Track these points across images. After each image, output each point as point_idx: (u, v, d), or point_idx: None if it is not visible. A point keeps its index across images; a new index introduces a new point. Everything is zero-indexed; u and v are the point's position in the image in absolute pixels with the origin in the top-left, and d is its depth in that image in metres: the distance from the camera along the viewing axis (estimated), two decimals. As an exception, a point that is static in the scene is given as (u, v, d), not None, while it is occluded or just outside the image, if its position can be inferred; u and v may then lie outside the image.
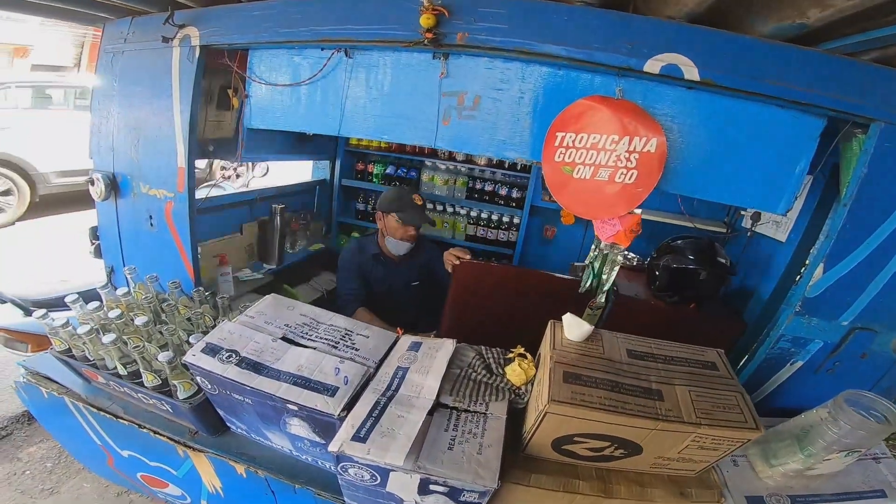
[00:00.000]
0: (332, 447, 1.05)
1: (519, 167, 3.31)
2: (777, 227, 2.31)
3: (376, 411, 1.15)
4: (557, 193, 1.42)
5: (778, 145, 1.31)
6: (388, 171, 3.56)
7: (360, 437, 1.07)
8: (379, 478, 1.09)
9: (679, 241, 2.29)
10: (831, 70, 1.21)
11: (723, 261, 2.17)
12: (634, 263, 2.89)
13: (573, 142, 1.35)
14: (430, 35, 1.36)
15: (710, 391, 1.14)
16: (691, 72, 1.25)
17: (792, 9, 1.10)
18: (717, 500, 1.19)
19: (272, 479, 1.39)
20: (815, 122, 1.27)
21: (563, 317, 1.31)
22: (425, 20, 1.33)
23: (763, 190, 1.36)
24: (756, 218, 2.51)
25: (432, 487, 1.07)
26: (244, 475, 1.43)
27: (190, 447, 1.47)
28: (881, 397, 1.18)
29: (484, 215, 3.47)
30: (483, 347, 1.51)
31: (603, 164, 1.34)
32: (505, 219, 3.45)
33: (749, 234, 2.54)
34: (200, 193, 2.01)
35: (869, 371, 1.48)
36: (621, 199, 1.34)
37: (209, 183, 2.07)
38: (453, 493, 1.07)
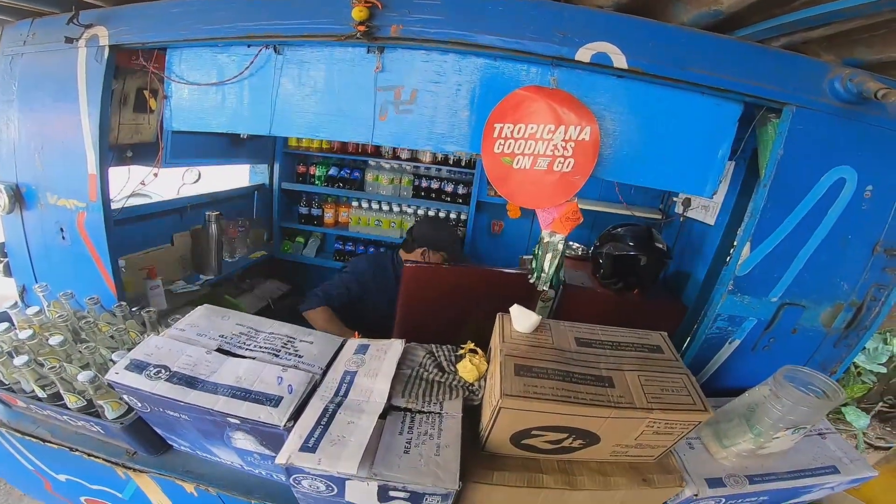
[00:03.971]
0: (280, 459, 0.99)
1: (464, 163, 3.32)
2: (706, 211, 2.44)
3: (325, 419, 1.09)
4: (499, 185, 1.42)
5: (701, 131, 1.37)
6: (331, 172, 3.48)
7: (308, 446, 1.00)
8: (335, 488, 1.04)
9: (619, 229, 2.37)
10: (745, 57, 1.27)
11: (660, 246, 2.26)
12: (579, 253, 2.96)
13: (511, 132, 1.35)
14: (362, 28, 1.32)
15: (658, 374, 1.16)
16: (620, 60, 1.28)
17: (708, -5, 1.14)
18: (679, 483, 1.21)
19: (225, 495, 1.31)
20: (734, 107, 1.34)
21: (511, 308, 1.30)
22: (357, 13, 1.29)
23: (690, 174, 1.41)
24: (687, 204, 2.64)
25: (392, 494, 1.03)
26: (195, 494, 1.34)
27: (130, 468, 1.36)
28: (817, 372, 1.23)
29: (431, 213, 3.45)
30: (433, 346, 1.48)
31: (541, 153, 1.35)
32: (452, 216, 3.45)
33: (682, 219, 2.67)
34: (119, 203, 1.86)
35: (801, 346, 1.56)
36: (560, 188, 1.36)
37: (129, 192, 1.90)
38: (415, 497, 1.03)
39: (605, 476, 1.19)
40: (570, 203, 1.37)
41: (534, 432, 1.12)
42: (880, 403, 3.93)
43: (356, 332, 1.98)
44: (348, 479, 1.00)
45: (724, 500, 1.27)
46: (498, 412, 1.05)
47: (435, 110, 1.43)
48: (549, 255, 1.43)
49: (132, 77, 1.88)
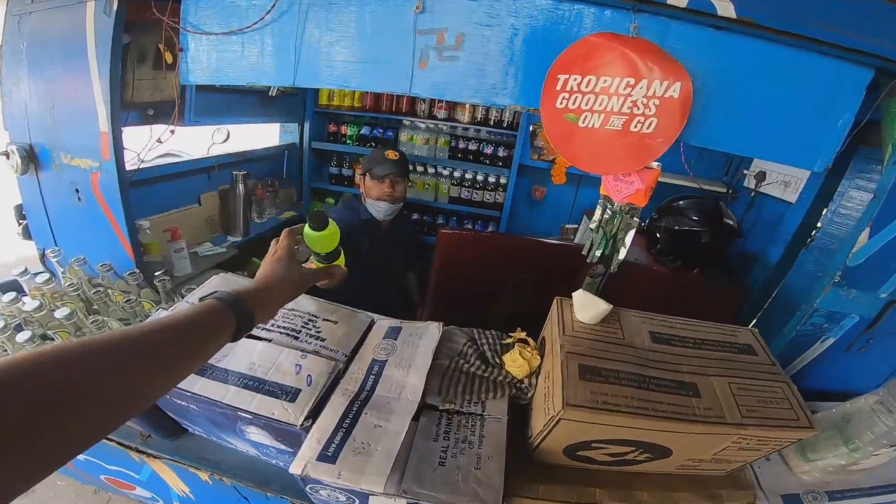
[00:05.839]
0: (295, 469, 0.84)
1: (505, 124, 3.10)
2: (786, 187, 2.14)
3: (347, 420, 0.94)
4: (560, 145, 1.20)
5: (818, 97, 1.11)
6: (362, 131, 3.31)
7: (328, 455, 0.86)
8: (357, 501, 0.90)
9: (681, 202, 2.10)
10: (885, 17, 1.00)
11: (729, 222, 2.00)
12: (631, 226, 2.71)
13: (578, 85, 1.12)
14: (400, -40, 1.10)
15: (752, 382, 0.95)
16: (726, 8, 1.02)
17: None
18: (751, 501, 1.03)
19: (240, 486, 1.20)
20: (863, 72, 1.07)
21: (574, 294, 1.10)
22: (395, -57, 1.06)
23: (799, 145, 1.16)
24: (760, 178, 2.35)
25: (422, 512, 0.88)
26: (209, 482, 1.24)
27: (143, 452, 1.27)
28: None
29: (468, 176, 3.26)
30: (476, 331, 1.29)
31: (615, 111, 1.11)
32: (491, 179, 3.25)
33: (752, 194, 2.38)
34: (146, 163, 1.75)
35: (901, 351, 1.33)
36: (637, 152, 1.13)
37: (147, 151, 1.80)
38: (447, 518, 0.89)
39: (667, 491, 1.02)
40: (655, 170, 1.15)
41: (594, 444, 0.94)
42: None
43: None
44: (372, 494, 0.85)
45: (795, 516, 1.10)
46: (556, 423, 0.87)
47: (485, 57, 1.21)
48: (622, 232, 1.23)
49: (149, 32, 1.75)
